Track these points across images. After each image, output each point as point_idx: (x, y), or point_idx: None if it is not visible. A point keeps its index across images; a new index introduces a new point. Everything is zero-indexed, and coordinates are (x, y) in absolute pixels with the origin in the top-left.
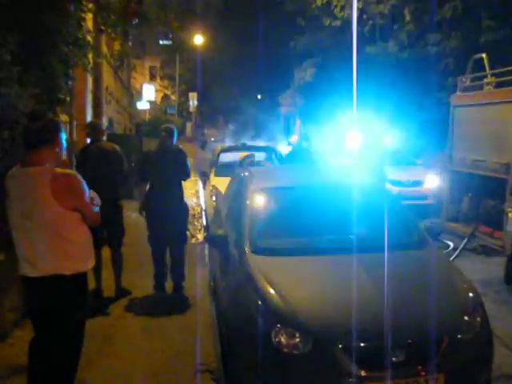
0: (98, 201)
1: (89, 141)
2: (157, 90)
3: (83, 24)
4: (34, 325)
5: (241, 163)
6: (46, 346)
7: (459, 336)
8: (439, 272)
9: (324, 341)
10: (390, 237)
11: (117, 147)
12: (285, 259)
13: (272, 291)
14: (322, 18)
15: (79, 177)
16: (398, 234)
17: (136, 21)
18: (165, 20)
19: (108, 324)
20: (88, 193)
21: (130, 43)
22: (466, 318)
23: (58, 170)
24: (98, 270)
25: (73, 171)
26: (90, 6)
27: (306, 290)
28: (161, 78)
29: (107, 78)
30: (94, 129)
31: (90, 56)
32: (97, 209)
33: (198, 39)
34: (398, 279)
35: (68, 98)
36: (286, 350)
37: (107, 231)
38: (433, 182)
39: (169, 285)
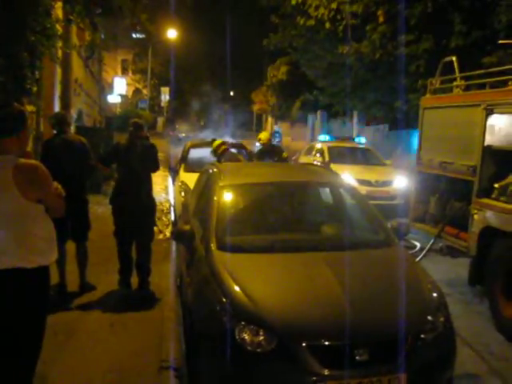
0: (61, 192)
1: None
2: (128, 84)
3: (52, 13)
4: None
5: (215, 151)
6: (4, 341)
7: (422, 336)
8: (404, 271)
9: (288, 339)
10: (356, 235)
11: (82, 139)
12: (251, 256)
13: (237, 288)
14: (296, 17)
15: (43, 167)
16: (365, 233)
17: (100, 10)
18: (131, 11)
19: (71, 319)
20: (51, 184)
21: (103, 36)
22: (429, 317)
23: (21, 160)
24: (61, 264)
25: (37, 161)
26: None
27: (271, 288)
28: (133, 72)
29: (77, 69)
30: (58, 120)
31: (59, 46)
32: (61, 201)
33: (171, 33)
34: (362, 278)
35: (35, 89)
36: (249, 348)
37: (72, 225)
38: (402, 182)
39: (134, 280)
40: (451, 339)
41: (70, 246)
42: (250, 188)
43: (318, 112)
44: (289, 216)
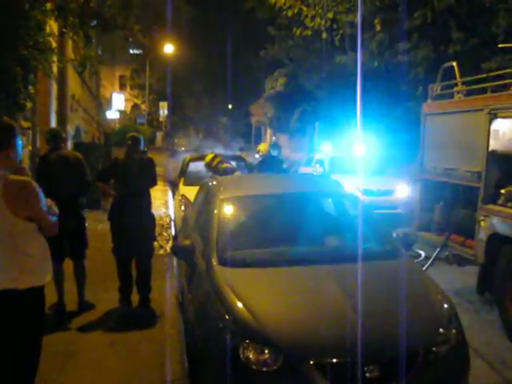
0: (55, 210)
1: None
2: (127, 100)
3: (44, 27)
4: None
5: (209, 165)
6: None
7: (434, 349)
8: (413, 283)
9: (295, 357)
10: (362, 247)
11: (78, 155)
12: (253, 271)
13: (240, 305)
14: (293, 28)
15: (34, 184)
16: (371, 244)
17: (94, 22)
18: (124, 22)
19: (70, 340)
20: (44, 201)
21: (100, 52)
22: (441, 330)
23: (12, 176)
24: (59, 283)
25: (27, 178)
26: (49, 5)
27: (275, 304)
28: (131, 88)
29: (74, 85)
30: (53, 136)
31: (55, 60)
32: (54, 218)
33: (168, 48)
34: (370, 291)
35: (29, 104)
36: (254, 367)
37: (69, 243)
38: (403, 191)
39: (135, 298)
40: (464, 352)
41: (68, 264)
42: (251, 200)
43: (317, 123)
44: (292, 228)
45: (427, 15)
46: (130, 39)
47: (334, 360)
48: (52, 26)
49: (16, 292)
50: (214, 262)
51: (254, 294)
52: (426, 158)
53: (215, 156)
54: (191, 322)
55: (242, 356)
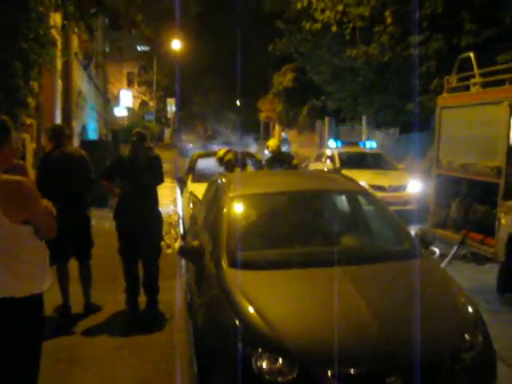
0: (52, 210)
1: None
2: (134, 96)
3: (45, 19)
4: None
5: (221, 160)
6: None
7: (461, 356)
8: (435, 285)
9: (311, 367)
10: (379, 246)
11: (82, 152)
12: (266, 273)
13: (252, 310)
14: (302, 21)
15: (28, 183)
16: (389, 244)
17: (95, 10)
18: (126, 12)
19: (74, 344)
20: (39, 202)
21: (107, 49)
22: (467, 336)
23: (5, 176)
24: (64, 284)
25: (21, 177)
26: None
27: (289, 309)
28: (138, 84)
29: (81, 82)
30: (56, 133)
31: (57, 55)
32: (51, 219)
33: (175, 45)
34: (390, 294)
35: (30, 100)
36: (268, 377)
37: (74, 243)
38: (416, 187)
39: (142, 299)
40: (491, 359)
41: (74, 265)
42: (261, 198)
43: (326, 118)
44: (305, 227)
45: (437, 4)
46: (133, 31)
47: (353, 370)
48: (55, 18)
49: (13, 300)
50: (224, 264)
51: (266, 299)
52: (442, 153)
53: (228, 151)
54: (200, 327)
55: (254, 366)
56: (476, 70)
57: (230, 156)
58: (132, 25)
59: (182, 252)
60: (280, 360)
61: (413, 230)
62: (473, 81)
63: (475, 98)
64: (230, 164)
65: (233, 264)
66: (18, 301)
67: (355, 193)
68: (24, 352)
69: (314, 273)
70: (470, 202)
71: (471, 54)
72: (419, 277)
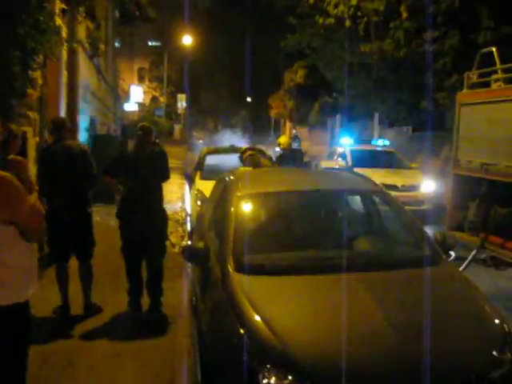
0: (40, 209)
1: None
2: (145, 92)
3: (45, 5)
4: None
5: (240, 157)
6: None
7: (488, 375)
8: (459, 295)
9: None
10: (397, 251)
11: (84, 146)
12: (275, 279)
13: (259, 320)
14: (315, 16)
15: (12, 179)
16: (407, 249)
17: None
18: None
19: (72, 349)
20: (25, 200)
21: (118, 44)
22: (494, 352)
23: None
24: (64, 284)
25: (6, 173)
26: None
27: (300, 320)
28: (149, 80)
29: (89, 76)
30: (56, 126)
31: (59, 42)
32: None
33: (186, 40)
34: (410, 305)
35: (30, 91)
36: None
37: (74, 241)
38: (429, 186)
39: (145, 301)
40: None
41: (75, 263)
42: (271, 198)
43: (338, 115)
44: (317, 229)
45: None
46: (137, 12)
47: None
48: (59, 6)
49: None
50: (230, 268)
51: (275, 308)
52: (460, 152)
53: (248, 148)
54: (205, 335)
55: (261, 382)
56: (498, 65)
57: (248, 153)
58: (136, 7)
59: (186, 254)
60: (290, 377)
61: (428, 232)
62: (494, 77)
63: (498, 94)
64: (252, 161)
65: (239, 268)
66: (1, 309)
67: (371, 193)
68: (8, 359)
69: (327, 279)
70: (490, 203)
71: (493, 49)
72: (441, 286)
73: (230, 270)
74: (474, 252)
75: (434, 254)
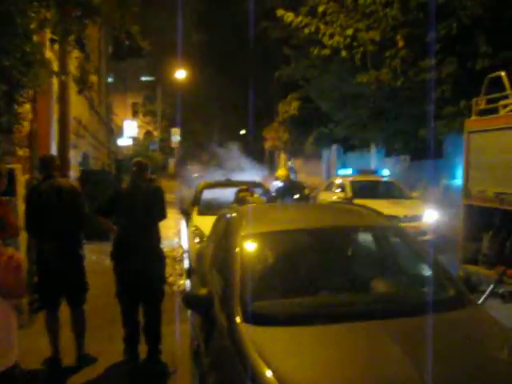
0: (18, 262)
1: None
2: (139, 126)
3: (31, 35)
4: None
5: (236, 196)
6: None
7: None
8: (492, 341)
9: None
10: (420, 294)
11: (74, 184)
12: (289, 330)
13: (271, 377)
14: (309, 47)
15: None
16: (430, 290)
17: (79, 13)
18: (121, 22)
19: None
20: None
21: (111, 79)
22: None
23: None
24: (54, 334)
25: None
26: (35, 4)
27: (320, 378)
28: (143, 115)
29: (81, 110)
30: (44, 163)
31: (47, 75)
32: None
33: (180, 74)
34: (443, 356)
35: (17, 126)
36: None
37: (65, 287)
38: (432, 216)
39: (143, 348)
40: None
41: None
42: (278, 237)
43: (334, 146)
44: (331, 271)
45: (452, 26)
46: (127, 42)
47: None
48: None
49: None
50: (238, 319)
51: (291, 364)
52: (472, 181)
53: (243, 189)
54: None
55: None
56: (509, 90)
57: (244, 194)
58: (127, 36)
59: (188, 302)
60: None
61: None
62: (502, 102)
63: (508, 120)
64: (244, 201)
65: (248, 318)
66: None
67: (386, 229)
68: None
69: (347, 329)
70: (506, 235)
71: (502, 73)
72: (473, 331)
73: (238, 320)
74: (491, 286)
75: (460, 295)
